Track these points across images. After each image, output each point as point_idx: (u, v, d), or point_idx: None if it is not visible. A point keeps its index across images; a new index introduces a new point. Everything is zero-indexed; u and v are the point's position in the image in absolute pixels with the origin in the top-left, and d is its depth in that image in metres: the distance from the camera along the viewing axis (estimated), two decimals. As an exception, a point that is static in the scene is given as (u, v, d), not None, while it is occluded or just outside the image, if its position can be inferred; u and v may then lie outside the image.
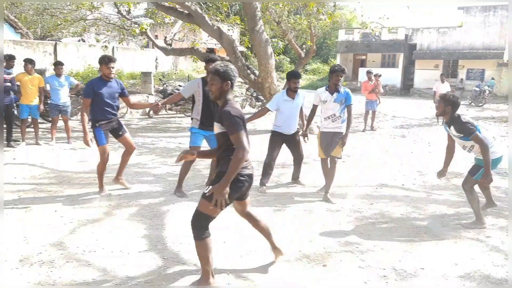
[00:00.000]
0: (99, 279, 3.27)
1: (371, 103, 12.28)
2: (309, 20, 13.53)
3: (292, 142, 6.10)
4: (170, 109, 14.79)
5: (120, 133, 5.60)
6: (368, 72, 12.69)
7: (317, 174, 6.32)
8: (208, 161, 6.53)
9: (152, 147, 8.98)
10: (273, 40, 15.80)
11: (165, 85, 15.56)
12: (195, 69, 23.17)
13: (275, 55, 12.77)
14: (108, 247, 3.85)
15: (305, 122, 6.18)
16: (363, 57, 33.52)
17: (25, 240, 3.92)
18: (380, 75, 12.73)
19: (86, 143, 5.38)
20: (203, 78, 5.52)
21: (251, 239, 3.92)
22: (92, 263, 3.52)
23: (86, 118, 5.38)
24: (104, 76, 5.33)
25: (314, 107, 5.81)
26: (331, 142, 5.57)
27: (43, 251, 3.69)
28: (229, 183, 2.93)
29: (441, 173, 5.04)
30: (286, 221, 4.73)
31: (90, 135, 5.37)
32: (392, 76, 29.65)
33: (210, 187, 3.02)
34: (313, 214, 5.04)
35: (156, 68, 21.76)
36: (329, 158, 5.65)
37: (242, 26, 14.82)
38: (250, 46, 13.54)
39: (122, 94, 5.57)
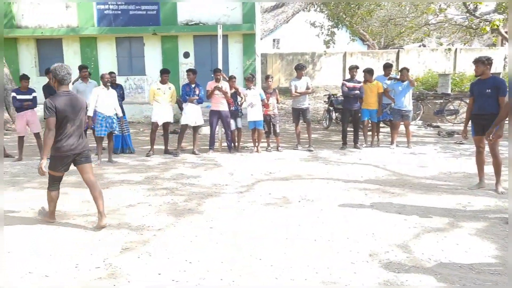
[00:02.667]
0: (446, 293, 3.09)
1: None
2: None
3: None
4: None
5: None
6: None
7: None
8: None
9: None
10: None
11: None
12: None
13: None
14: (456, 259, 3.61)
15: None
16: None
17: (373, 236, 4.19)
18: None
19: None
20: None
21: None
22: (440, 273, 3.36)
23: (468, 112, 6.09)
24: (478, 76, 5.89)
25: None
26: None
27: (390, 251, 3.82)
28: (43, 156, 4.16)
29: None
30: None
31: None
32: None
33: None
34: None
35: (504, 68, 19.32)
36: None
37: None
38: None
39: (497, 92, 5.61)
